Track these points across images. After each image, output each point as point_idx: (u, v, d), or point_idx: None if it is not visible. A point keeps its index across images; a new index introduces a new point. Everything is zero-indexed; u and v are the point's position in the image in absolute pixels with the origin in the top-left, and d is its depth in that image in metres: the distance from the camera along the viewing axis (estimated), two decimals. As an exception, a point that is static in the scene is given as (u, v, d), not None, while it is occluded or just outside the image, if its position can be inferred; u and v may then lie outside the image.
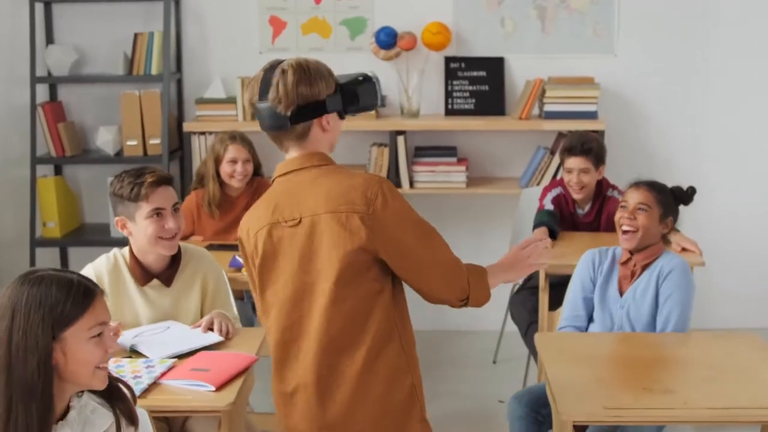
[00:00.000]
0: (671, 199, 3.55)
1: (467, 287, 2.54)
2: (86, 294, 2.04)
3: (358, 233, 2.39)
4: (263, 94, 2.48)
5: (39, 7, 5.48)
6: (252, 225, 2.52)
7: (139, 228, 3.09)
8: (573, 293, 3.52)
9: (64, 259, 5.70)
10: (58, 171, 5.67)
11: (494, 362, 5.23)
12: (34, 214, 5.43)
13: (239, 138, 4.58)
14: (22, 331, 1.98)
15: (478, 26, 5.42)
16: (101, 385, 2.10)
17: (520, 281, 4.76)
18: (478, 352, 5.35)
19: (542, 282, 4.20)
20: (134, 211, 3.08)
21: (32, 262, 5.43)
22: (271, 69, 2.49)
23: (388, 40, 5.28)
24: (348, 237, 2.40)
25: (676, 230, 4.27)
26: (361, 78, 2.53)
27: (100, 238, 5.46)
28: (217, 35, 5.53)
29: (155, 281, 3.17)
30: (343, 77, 2.55)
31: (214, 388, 2.67)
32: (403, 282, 2.53)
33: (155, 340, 2.96)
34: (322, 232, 2.42)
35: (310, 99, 2.45)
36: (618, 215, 3.51)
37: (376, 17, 5.44)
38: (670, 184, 5.37)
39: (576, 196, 4.55)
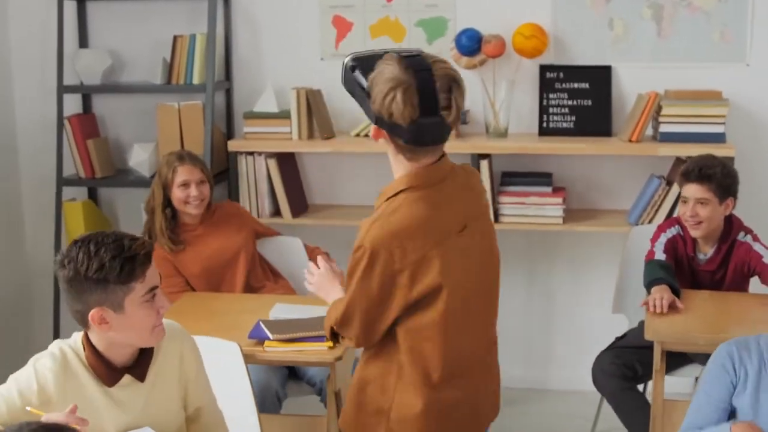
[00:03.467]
0: None
1: None
2: None
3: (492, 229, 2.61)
4: (432, 108, 2.32)
5: (71, 6, 4.83)
6: (416, 242, 2.36)
7: (132, 319, 2.30)
8: (703, 397, 2.63)
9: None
10: (92, 194, 4.99)
11: (592, 435, 4.39)
12: (59, 243, 4.79)
13: (188, 157, 4.03)
14: None
15: (580, 29, 4.62)
16: None
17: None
18: (574, 419, 4.55)
19: (658, 362, 3.29)
20: (123, 297, 2.28)
21: (57, 298, 4.80)
22: (417, 73, 2.29)
23: (470, 44, 4.49)
24: (493, 232, 2.60)
25: None
26: None
27: (136, 271, 4.76)
28: (271, 38, 4.81)
29: (126, 378, 2.38)
30: None
31: None
32: None
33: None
34: (482, 234, 2.53)
35: None
36: None
37: (459, 18, 4.65)
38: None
39: (693, 232, 3.76)
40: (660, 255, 3.78)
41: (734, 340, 2.72)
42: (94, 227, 4.79)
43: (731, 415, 2.64)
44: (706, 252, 3.82)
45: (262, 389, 3.45)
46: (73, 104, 4.90)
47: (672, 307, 3.44)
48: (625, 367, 3.76)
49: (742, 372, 2.64)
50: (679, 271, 3.82)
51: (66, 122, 4.71)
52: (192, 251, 3.98)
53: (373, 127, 2.39)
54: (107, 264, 2.23)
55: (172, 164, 3.96)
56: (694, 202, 3.71)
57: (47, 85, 4.92)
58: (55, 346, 2.37)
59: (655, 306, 3.43)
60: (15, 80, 5.02)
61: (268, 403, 3.47)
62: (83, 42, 4.90)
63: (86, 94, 4.93)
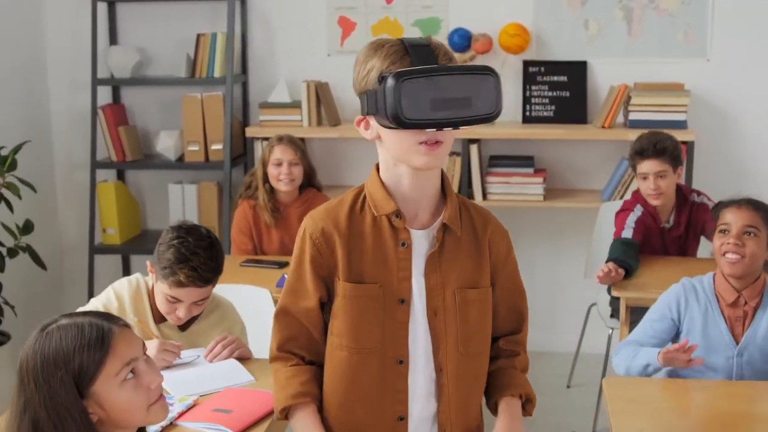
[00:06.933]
0: None
1: None
2: (100, 337, 1.79)
3: None
4: None
5: (102, 8, 5.32)
6: None
7: (157, 291, 2.85)
8: (648, 324, 3.09)
9: (125, 267, 5.52)
10: (120, 176, 5.50)
11: (568, 387, 4.92)
12: (93, 220, 5.27)
13: (286, 139, 4.36)
14: (47, 402, 1.74)
15: (559, 28, 5.09)
16: (162, 417, 1.92)
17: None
18: (551, 376, 5.01)
19: (623, 314, 3.77)
20: (159, 277, 2.81)
21: (91, 270, 5.27)
22: None
23: (461, 42, 4.98)
24: None
25: None
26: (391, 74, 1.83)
27: (161, 246, 5.25)
28: (283, 36, 5.29)
29: (170, 322, 2.93)
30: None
31: (231, 433, 2.38)
32: None
33: (181, 375, 2.70)
34: None
35: (356, 88, 1.97)
36: (719, 242, 3.03)
37: (451, 18, 5.15)
38: (768, 204, 4.97)
39: (654, 202, 4.07)
40: (628, 233, 4.02)
41: (686, 281, 3.07)
42: (124, 206, 5.30)
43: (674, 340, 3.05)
44: (669, 220, 4.12)
45: None
46: (104, 95, 5.36)
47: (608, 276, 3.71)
48: None
49: (687, 317, 3.01)
50: (652, 242, 4.10)
51: (99, 111, 5.18)
52: (266, 230, 4.33)
53: None
54: (166, 255, 2.76)
55: (271, 143, 4.32)
56: (655, 176, 3.99)
57: (80, 79, 5.38)
58: (133, 276, 2.94)
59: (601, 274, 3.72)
60: (49, 75, 5.46)
61: None
62: (113, 39, 5.35)
63: (116, 86, 5.39)
